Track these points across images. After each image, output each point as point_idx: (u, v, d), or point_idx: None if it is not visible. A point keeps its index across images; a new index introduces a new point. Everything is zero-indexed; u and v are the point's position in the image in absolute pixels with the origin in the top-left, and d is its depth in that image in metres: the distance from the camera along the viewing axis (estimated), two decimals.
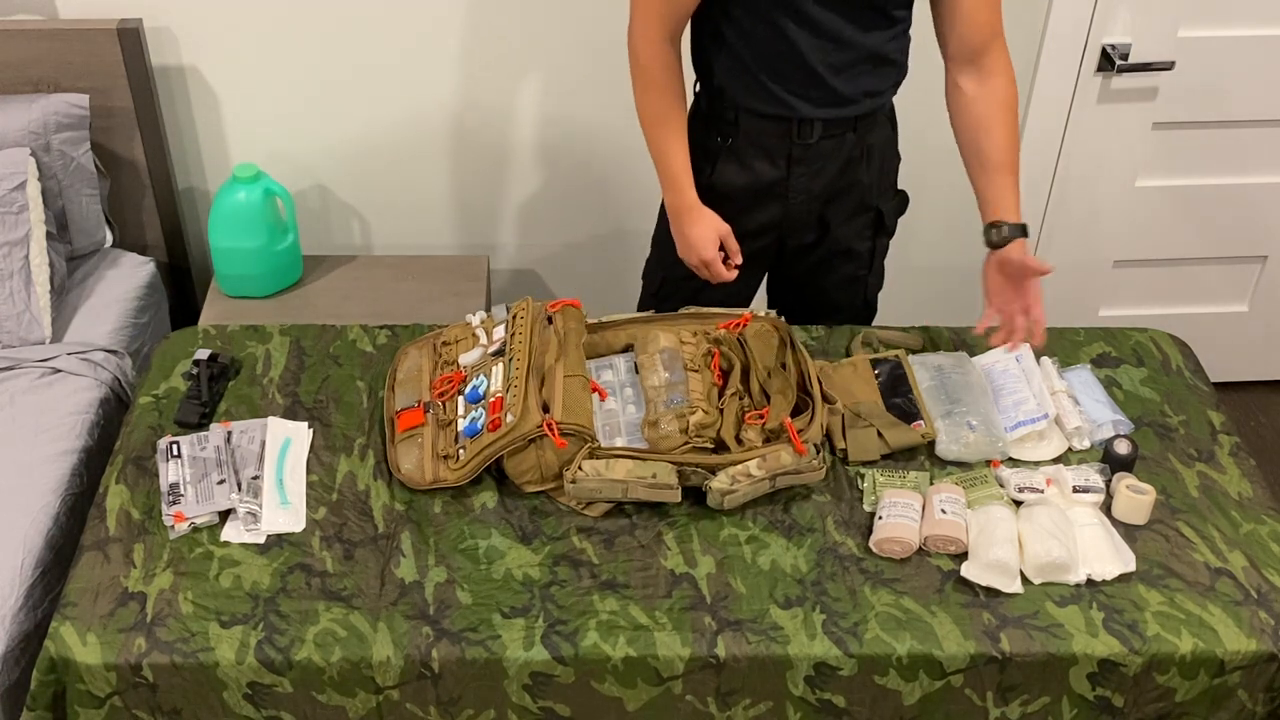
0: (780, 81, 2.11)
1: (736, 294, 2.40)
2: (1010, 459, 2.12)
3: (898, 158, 2.34)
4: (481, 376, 2.11)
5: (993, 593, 1.90)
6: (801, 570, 1.93)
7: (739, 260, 2.24)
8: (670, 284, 2.41)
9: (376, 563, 1.92)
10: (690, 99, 2.23)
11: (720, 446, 2.02)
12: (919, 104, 2.37)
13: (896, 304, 3.17)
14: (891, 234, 2.40)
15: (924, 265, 3.11)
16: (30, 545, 2.06)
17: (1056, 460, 2.12)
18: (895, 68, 2.17)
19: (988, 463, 2.11)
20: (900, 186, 2.39)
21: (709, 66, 2.17)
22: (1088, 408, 2.19)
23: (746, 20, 2.07)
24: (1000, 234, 2.15)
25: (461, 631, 1.83)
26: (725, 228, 2.21)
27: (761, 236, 2.30)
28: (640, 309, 2.49)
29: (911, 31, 2.17)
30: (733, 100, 2.16)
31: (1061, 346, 2.36)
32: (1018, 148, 2.16)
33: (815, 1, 2.01)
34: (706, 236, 2.20)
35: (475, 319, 2.24)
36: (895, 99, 2.26)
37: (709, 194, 2.23)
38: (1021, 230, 2.15)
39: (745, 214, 2.26)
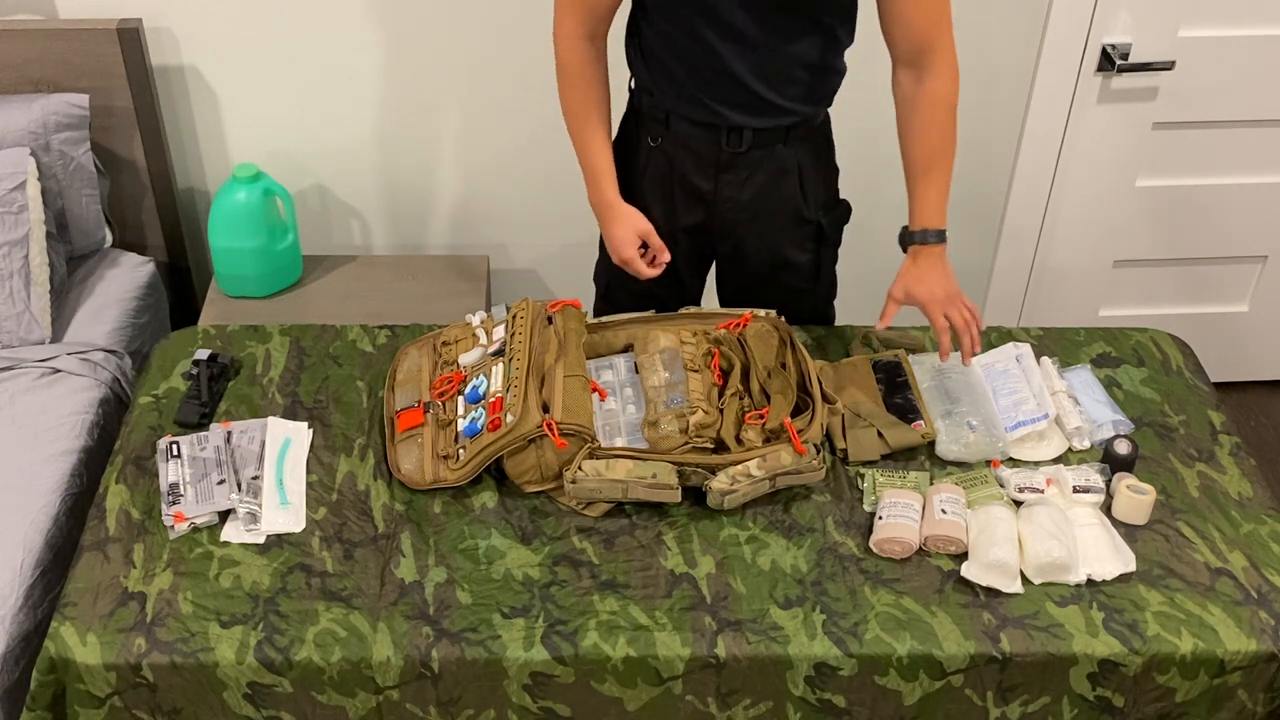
0: (706, 89, 2.09)
1: (681, 295, 2.40)
2: (1010, 459, 2.12)
3: (835, 170, 2.29)
4: (481, 376, 2.11)
5: (993, 593, 1.90)
6: (801, 570, 1.93)
7: (665, 257, 2.21)
8: (616, 284, 2.41)
9: (376, 563, 1.92)
10: (627, 95, 2.23)
11: (720, 446, 2.02)
12: (866, 103, 2.35)
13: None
14: (836, 245, 2.36)
15: None
16: (30, 545, 2.06)
17: (1056, 460, 2.12)
18: (829, 74, 2.13)
19: (988, 463, 2.11)
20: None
21: (637, 68, 2.16)
22: (1088, 408, 2.19)
23: (667, 25, 2.05)
24: (905, 237, 2.17)
25: (461, 631, 1.83)
26: (645, 226, 2.19)
27: (693, 236, 2.29)
28: (594, 312, 2.49)
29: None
30: (661, 103, 2.15)
31: (1061, 346, 2.36)
32: (947, 149, 2.13)
33: (735, 7, 1.98)
34: (624, 236, 2.18)
35: (475, 319, 2.25)
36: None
37: (641, 192, 2.23)
38: (929, 235, 2.14)
39: (674, 215, 2.25)
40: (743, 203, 2.21)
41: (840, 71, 2.16)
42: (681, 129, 2.16)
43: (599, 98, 2.15)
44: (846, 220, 2.35)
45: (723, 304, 2.46)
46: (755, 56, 2.04)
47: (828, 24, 2.05)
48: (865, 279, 3.07)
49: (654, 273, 2.22)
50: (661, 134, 2.18)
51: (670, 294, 2.39)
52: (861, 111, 2.32)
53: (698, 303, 2.46)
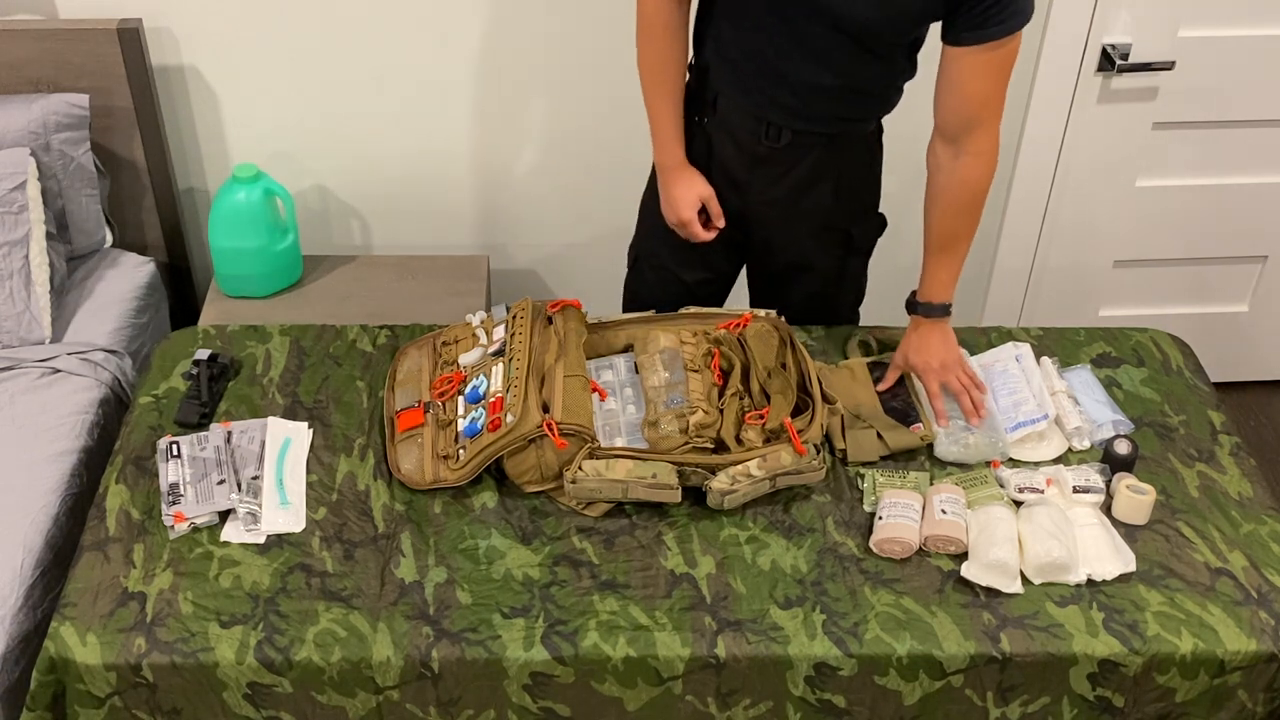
0: (758, 83, 2.10)
1: (715, 279, 2.41)
2: (1010, 459, 2.12)
3: (876, 181, 2.30)
4: (481, 376, 2.11)
5: (993, 593, 1.90)
6: (801, 570, 1.93)
7: (721, 223, 2.24)
8: (644, 259, 2.43)
9: (376, 563, 1.92)
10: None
11: (720, 446, 2.02)
12: (916, 108, 2.35)
13: (898, 304, 3.17)
14: (866, 255, 2.38)
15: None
16: (30, 545, 2.06)
17: (1056, 460, 2.12)
18: (877, 100, 2.15)
19: (988, 463, 2.10)
20: (893, 192, 2.37)
21: (701, 43, 2.18)
22: (1088, 408, 2.19)
23: (740, 14, 2.07)
24: (910, 305, 2.21)
25: (461, 631, 1.83)
26: (708, 190, 2.21)
27: (727, 220, 2.29)
28: (624, 285, 2.50)
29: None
30: (714, 83, 2.16)
31: (1061, 346, 2.36)
32: (968, 233, 2.15)
33: (811, 22, 1.99)
34: (686, 197, 2.21)
35: (475, 319, 2.25)
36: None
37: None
38: (933, 309, 2.18)
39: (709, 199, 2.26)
40: (774, 198, 2.22)
41: (889, 101, 2.17)
42: (727, 112, 2.17)
43: (677, 59, 2.15)
44: (879, 233, 2.35)
45: (753, 299, 2.49)
46: (815, 70, 2.05)
47: (894, 58, 2.07)
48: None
49: (709, 236, 2.24)
50: (709, 114, 2.19)
51: (697, 280, 2.40)
52: (895, 114, 2.30)
53: (726, 290, 2.47)
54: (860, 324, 2.47)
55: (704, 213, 2.24)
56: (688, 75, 2.23)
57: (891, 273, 3.02)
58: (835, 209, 2.24)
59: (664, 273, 2.40)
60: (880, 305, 3.08)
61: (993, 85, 2.02)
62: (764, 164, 2.19)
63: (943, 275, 2.18)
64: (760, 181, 2.21)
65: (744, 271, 2.48)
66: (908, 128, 2.33)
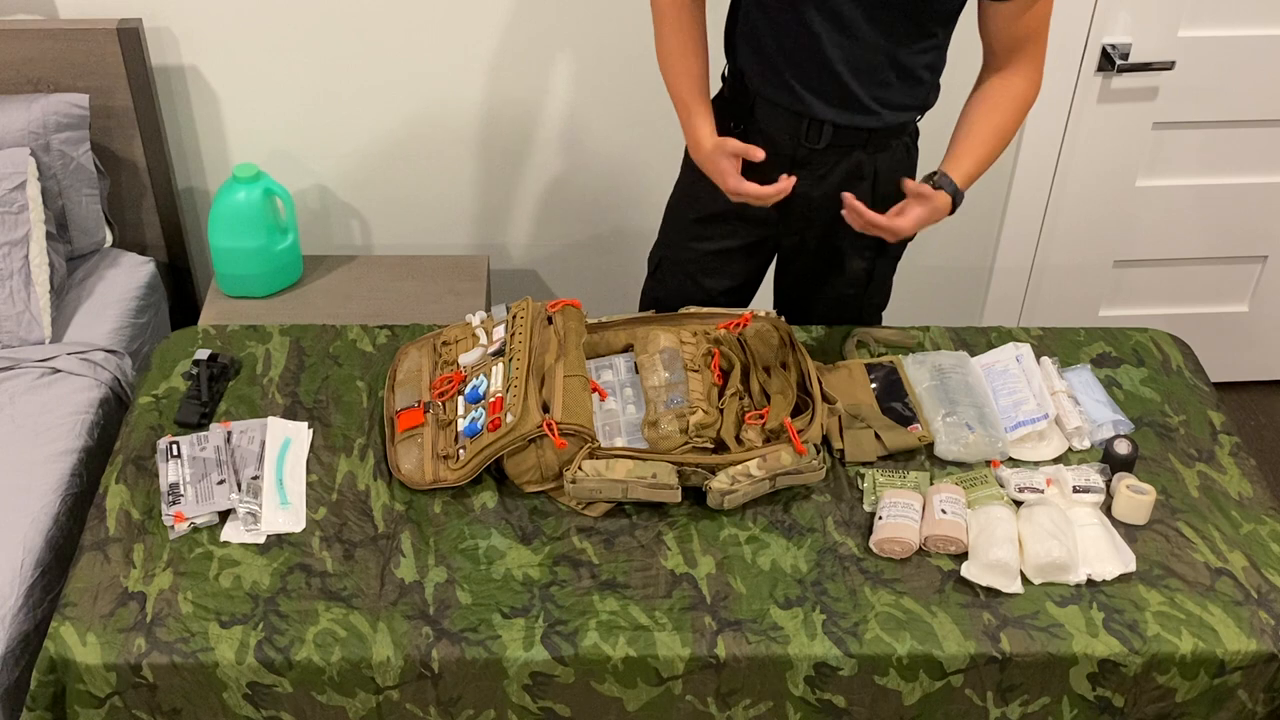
0: (798, 77, 2.10)
1: (739, 287, 2.40)
2: (1010, 459, 2.12)
3: None
4: (481, 376, 2.11)
5: (993, 593, 1.90)
6: (801, 570, 1.93)
7: (760, 156, 2.05)
8: (668, 265, 2.42)
9: (376, 563, 1.92)
10: (718, 81, 2.23)
11: (720, 446, 2.02)
12: (936, 111, 2.35)
13: (897, 304, 3.17)
14: (895, 260, 2.38)
15: (925, 265, 3.11)
16: (30, 545, 2.06)
17: (1056, 460, 2.12)
18: (920, 85, 2.14)
19: (988, 463, 2.11)
20: None
21: (734, 48, 2.17)
22: (1088, 408, 2.19)
23: (772, 5, 2.07)
24: (931, 180, 2.09)
25: (461, 631, 1.83)
26: (732, 144, 2.06)
27: (759, 226, 2.29)
28: (643, 290, 2.50)
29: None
30: (751, 87, 2.16)
31: (1061, 346, 2.36)
32: (1002, 136, 2.12)
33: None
34: (724, 167, 2.08)
35: (475, 319, 2.25)
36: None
37: None
38: (946, 181, 2.07)
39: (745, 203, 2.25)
40: (814, 200, 2.22)
41: (931, 89, 2.16)
42: (765, 116, 2.16)
43: (696, 43, 2.12)
44: (911, 238, 2.35)
45: (777, 300, 2.49)
46: (853, 49, 2.04)
47: (932, 31, 2.06)
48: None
49: (776, 190, 2.05)
50: (746, 120, 2.18)
51: (721, 289, 2.39)
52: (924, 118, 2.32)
53: (748, 300, 2.47)
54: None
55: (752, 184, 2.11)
56: (724, 82, 2.22)
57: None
58: (872, 211, 2.23)
59: (687, 280, 2.39)
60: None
61: (1034, 27, 2.06)
62: (803, 166, 2.18)
63: (966, 161, 2.11)
64: (800, 184, 2.20)
65: (766, 275, 2.48)
66: (928, 129, 2.33)
